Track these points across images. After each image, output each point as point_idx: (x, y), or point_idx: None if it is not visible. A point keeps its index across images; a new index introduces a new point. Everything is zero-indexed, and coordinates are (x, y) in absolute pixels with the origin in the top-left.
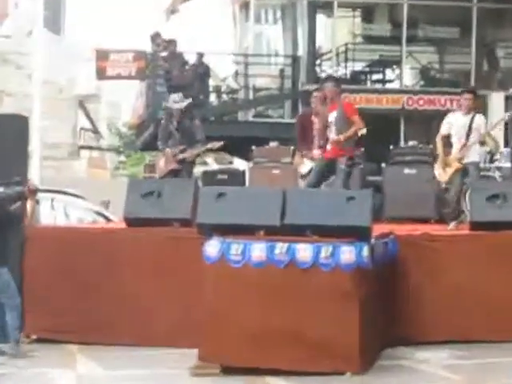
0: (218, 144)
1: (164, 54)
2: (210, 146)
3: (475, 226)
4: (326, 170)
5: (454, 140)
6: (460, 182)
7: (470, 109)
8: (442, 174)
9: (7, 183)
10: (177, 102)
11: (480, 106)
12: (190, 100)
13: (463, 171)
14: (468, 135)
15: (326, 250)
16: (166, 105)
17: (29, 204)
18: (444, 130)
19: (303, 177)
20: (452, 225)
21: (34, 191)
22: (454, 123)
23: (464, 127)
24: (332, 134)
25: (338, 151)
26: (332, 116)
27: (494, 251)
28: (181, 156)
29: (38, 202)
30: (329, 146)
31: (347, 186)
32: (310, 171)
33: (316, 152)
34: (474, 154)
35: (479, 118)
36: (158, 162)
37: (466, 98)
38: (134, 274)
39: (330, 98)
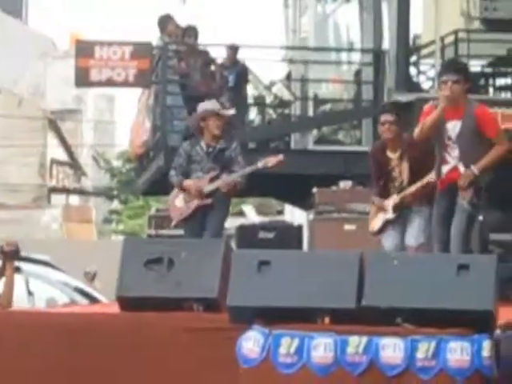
0: (274, 160)
1: (179, 48)
2: (261, 164)
3: None
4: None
5: None
6: None
7: None
8: None
9: None
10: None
11: None
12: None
13: None
14: None
15: (425, 347)
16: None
17: (5, 275)
18: None
19: (375, 235)
20: None
21: (13, 254)
22: None
23: None
24: (451, 158)
25: (457, 175)
26: (454, 127)
27: None
28: (210, 187)
29: (18, 270)
30: (446, 168)
31: (468, 241)
32: (382, 227)
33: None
34: None
35: None
36: (172, 201)
37: None
38: None
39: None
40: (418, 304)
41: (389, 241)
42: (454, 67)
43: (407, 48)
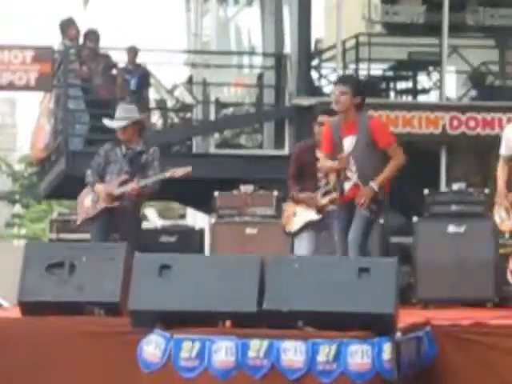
0: (181, 171)
1: (81, 52)
2: (169, 174)
3: None
4: (345, 223)
5: None
6: None
7: None
8: (505, 219)
9: None
10: (121, 118)
11: None
12: (136, 116)
13: None
14: None
15: (326, 351)
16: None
17: None
18: (503, 148)
19: (293, 236)
20: None
21: None
22: None
23: None
24: (351, 173)
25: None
26: (350, 143)
27: None
28: (119, 191)
29: None
30: (348, 185)
31: (364, 246)
32: (303, 228)
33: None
34: None
35: None
36: (82, 199)
37: None
38: None
39: (342, 111)
40: (319, 307)
41: (304, 244)
42: (341, 79)
43: (309, 52)
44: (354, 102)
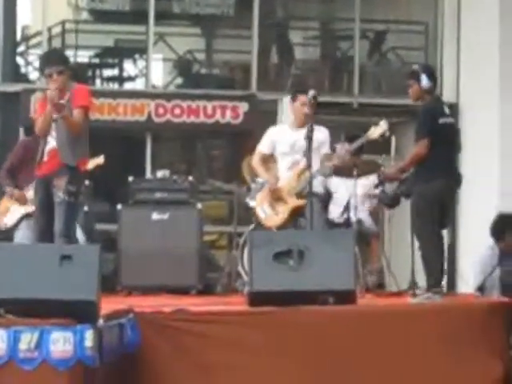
0: None
1: None
2: None
3: (256, 298)
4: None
5: (281, 164)
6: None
7: (306, 118)
8: (271, 214)
9: None
10: None
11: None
12: None
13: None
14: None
15: (28, 339)
16: None
17: None
18: (266, 147)
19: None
20: None
21: None
22: (281, 140)
23: (297, 145)
24: (51, 138)
25: (55, 163)
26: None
27: (282, 337)
28: None
29: None
30: (47, 148)
31: (71, 232)
32: (20, 220)
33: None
34: (316, 183)
35: (321, 132)
36: None
37: (303, 103)
38: None
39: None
40: (21, 294)
41: (26, 233)
42: (55, 58)
43: (14, 39)
44: (68, 76)
